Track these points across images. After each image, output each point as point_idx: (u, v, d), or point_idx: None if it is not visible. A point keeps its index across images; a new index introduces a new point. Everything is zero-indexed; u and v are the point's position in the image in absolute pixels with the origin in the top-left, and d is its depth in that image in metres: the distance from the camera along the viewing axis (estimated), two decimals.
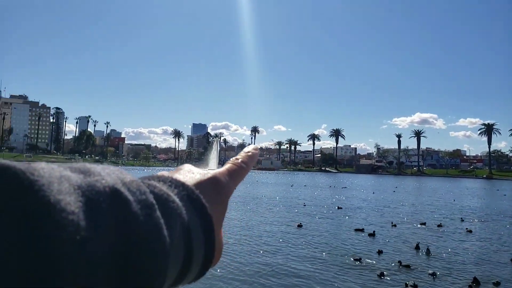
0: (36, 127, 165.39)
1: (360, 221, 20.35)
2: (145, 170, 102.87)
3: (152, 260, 0.25)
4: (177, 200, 0.31)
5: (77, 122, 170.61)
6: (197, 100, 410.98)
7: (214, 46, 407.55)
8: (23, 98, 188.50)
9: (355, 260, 12.09)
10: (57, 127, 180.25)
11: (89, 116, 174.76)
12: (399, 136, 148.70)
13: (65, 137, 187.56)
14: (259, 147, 0.46)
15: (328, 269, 11.15)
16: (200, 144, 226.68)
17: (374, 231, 16.77)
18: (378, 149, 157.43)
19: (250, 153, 0.45)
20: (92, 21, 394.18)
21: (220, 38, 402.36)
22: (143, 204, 0.26)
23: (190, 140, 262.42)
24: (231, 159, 0.43)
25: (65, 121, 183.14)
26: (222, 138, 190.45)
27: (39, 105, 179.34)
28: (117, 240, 0.24)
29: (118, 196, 0.25)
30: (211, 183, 0.36)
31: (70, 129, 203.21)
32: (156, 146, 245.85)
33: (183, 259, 0.30)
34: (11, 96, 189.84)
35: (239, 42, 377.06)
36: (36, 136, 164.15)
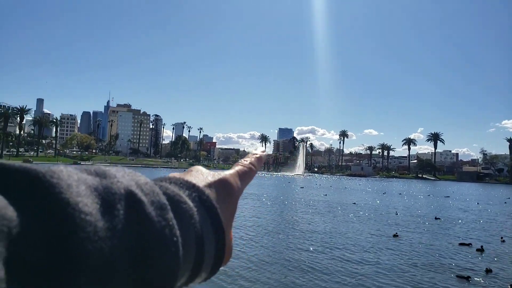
0: (138, 133, 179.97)
1: (461, 234, 17.35)
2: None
3: (165, 259, 0.26)
4: (188, 201, 0.31)
5: (173, 128, 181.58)
6: (284, 104, 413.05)
7: (296, 49, 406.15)
8: (127, 106, 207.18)
9: (461, 278, 9.97)
10: (156, 132, 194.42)
11: (184, 123, 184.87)
12: (510, 140, 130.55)
13: (162, 142, 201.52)
14: (265, 151, 0.47)
15: (431, 287, 9.32)
16: (286, 149, 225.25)
17: (482, 246, 13.83)
18: (485, 155, 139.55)
19: (258, 155, 0.46)
20: (189, 41, 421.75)
21: (300, 41, 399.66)
22: (157, 205, 0.27)
23: (276, 145, 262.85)
24: (240, 160, 0.43)
25: (163, 127, 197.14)
26: (308, 142, 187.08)
27: (141, 112, 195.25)
28: (132, 240, 0.25)
29: (132, 198, 0.26)
30: (221, 184, 0.37)
31: (167, 134, 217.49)
32: (244, 150, 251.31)
33: (195, 259, 0.31)
34: (118, 105, 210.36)
35: (318, 43, 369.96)
36: (138, 141, 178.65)
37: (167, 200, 0.29)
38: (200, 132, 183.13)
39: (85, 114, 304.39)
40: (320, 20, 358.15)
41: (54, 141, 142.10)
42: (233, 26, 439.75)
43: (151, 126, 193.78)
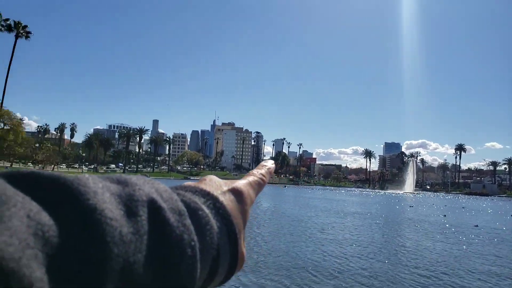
0: (241, 149, 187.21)
1: None
2: (336, 191, 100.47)
3: (184, 263, 0.28)
4: (204, 207, 0.33)
5: (273, 144, 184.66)
6: (390, 117, 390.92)
7: (398, 58, 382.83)
8: (231, 125, 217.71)
9: None
10: (257, 149, 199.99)
11: (284, 139, 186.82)
12: None
13: (263, 158, 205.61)
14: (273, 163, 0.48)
15: None
16: (393, 165, 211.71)
17: None
18: None
19: (269, 167, 0.47)
20: (287, 58, 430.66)
21: (401, 48, 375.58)
22: (175, 211, 0.29)
23: (382, 160, 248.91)
24: (252, 171, 0.45)
25: (264, 144, 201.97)
26: (418, 158, 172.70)
27: (243, 130, 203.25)
28: (154, 244, 0.26)
29: (153, 204, 0.28)
30: (234, 193, 0.38)
31: (268, 150, 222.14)
32: (346, 166, 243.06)
33: (211, 264, 0.32)
34: (223, 124, 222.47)
35: (421, 49, 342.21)
36: (241, 157, 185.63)
37: (185, 207, 0.31)
38: (299, 147, 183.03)
39: (194, 133, 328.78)
40: (415, 24, 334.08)
41: (167, 158, 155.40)
42: (330, 37, 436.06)
43: (252, 143, 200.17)
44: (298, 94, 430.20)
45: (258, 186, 0.43)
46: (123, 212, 0.26)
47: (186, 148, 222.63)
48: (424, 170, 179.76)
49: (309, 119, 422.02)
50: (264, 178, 0.44)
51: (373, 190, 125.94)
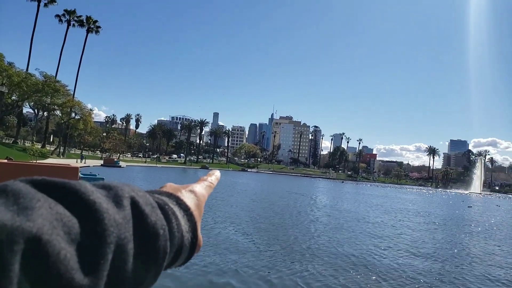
0: (298, 143, 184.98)
1: None
2: (396, 188, 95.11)
3: (158, 241, 0.38)
4: (169, 203, 0.43)
5: (332, 139, 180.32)
6: (456, 113, 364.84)
7: (463, 50, 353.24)
8: (289, 118, 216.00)
9: None
10: (315, 143, 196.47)
11: (343, 133, 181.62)
12: None
13: (321, 153, 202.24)
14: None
15: None
16: (459, 163, 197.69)
17: None
18: None
19: (216, 175, 0.60)
20: (346, 52, 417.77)
21: (464, 40, 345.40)
22: (149, 205, 0.39)
23: (447, 158, 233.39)
24: (202, 177, 0.57)
25: (322, 138, 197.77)
26: (487, 156, 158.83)
27: (301, 124, 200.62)
28: (136, 227, 0.36)
29: (132, 199, 0.38)
30: (191, 193, 0.49)
31: (326, 145, 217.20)
32: (408, 163, 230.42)
33: (176, 247, 0.41)
34: (280, 117, 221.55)
35: (484, 40, 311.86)
36: (298, 151, 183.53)
37: (155, 202, 0.41)
38: (359, 143, 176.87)
39: (252, 126, 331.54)
40: (484, 13, 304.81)
41: (226, 150, 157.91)
42: (392, 29, 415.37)
43: (310, 137, 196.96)
44: (359, 88, 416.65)
45: (209, 188, 0.55)
46: (113, 205, 0.35)
47: (244, 140, 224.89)
48: (493, 170, 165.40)
49: (370, 114, 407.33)
50: (212, 182, 0.57)
51: (436, 189, 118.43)
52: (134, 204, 0.37)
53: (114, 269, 0.32)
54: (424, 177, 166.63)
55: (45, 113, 61.61)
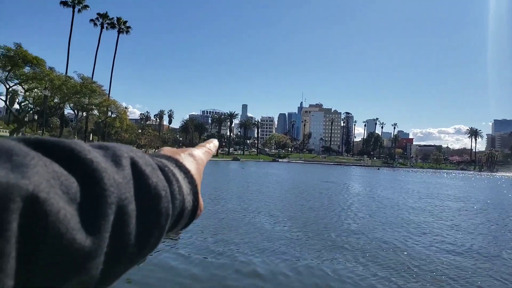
0: (329, 131, 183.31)
1: None
2: (436, 173, 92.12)
3: (161, 203, 0.36)
4: (169, 165, 0.42)
5: (365, 125, 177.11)
6: (501, 91, 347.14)
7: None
8: (319, 106, 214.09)
9: None
10: (347, 130, 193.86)
11: (377, 119, 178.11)
12: None
13: (354, 140, 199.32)
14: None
15: None
16: (505, 145, 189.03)
17: None
18: None
19: (214, 143, 0.59)
20: (375, 36, 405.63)
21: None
22: (148, 165, 0.37)
23: (491, 140, 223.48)
24: (201, 143, 0.57)
25: (354, 125, 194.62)
26: None
27: (332, 111, 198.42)
28: (137, 188, 0.34)
29: (132, 159, 0.36)
30: (190, 156, 0.48)
31: (359, 131, 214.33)
32: (448, 147, 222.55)
33: (178, 210, 0.40)
34: (310, 106, 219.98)
35: None
36: (329, 139, 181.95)
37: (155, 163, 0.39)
38: (394, 128, 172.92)
39: (281, 116, 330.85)
40: None
41: (256, 141, 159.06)
42: (425, 7, 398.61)
43: (342, 124, 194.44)
44: (391, 70, 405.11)
45: (208, 154, 0.54)
46: (111, 164, 0.33)
47: (274, 131, 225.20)
48: None
49: (404, 97, 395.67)
50: (211, 149, 0.56)
51: (479, 173, 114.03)
52: (134, 164, 0.36)
53: (116, 231, 0.31)
54: (466, 160, 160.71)
55: (84, 113, 64.67)
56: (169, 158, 0.44)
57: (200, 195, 0.44)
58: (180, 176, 0.42)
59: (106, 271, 0.30)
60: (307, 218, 13.55)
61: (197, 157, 0.49)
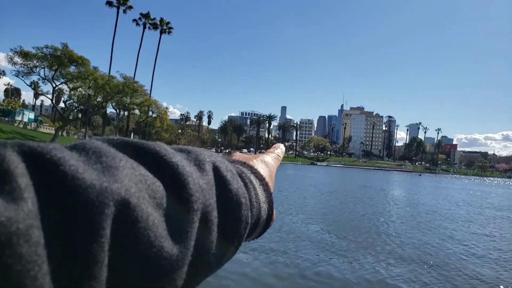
0: (371, 135, 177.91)
1: None
2: (481, 181, 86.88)
3: (241, 210, 0.35)
4: (246, 171, 0.41)
5: (407, 129, 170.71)
6: None
7: None
8: (360, 109, 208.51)
9: None
10: (389, 134, 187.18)
11: (420, 123, 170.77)
12: None
13: (396, 144, 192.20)
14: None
15: None
16: None
17: None
18: None
19: (282, 149, 0.58)
20: (418, 36, 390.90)
21: None
22: (229, 171, 0.36)
23: None
24: (268, 150, 0.56)
25: (396, 129, 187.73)
26: None
27: (373, 114, 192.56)
28: (220, 194, 0.33)
29: (214, 164, 0.35)
30: (263, 163, 0.47)
31: (401, 136, 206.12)
32: (494, 154, 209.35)
33: (255, 218, 0.39)
34: (351, 108, 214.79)
35: None
36: (370, 143, 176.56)
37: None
38: (438, 133, 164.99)
39: (321, 118, 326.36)
40: None
41: (294, 144, 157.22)
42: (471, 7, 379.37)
43: (383, 128, 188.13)
44: (435, 73, 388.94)
45: (277, 160, 0.53)
46: (195, 168, 0.32)
47: (313, 134, 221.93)
48: None
49: (449, 101, 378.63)
50: (279, 155, 0.55)
51: None
52: (216, 169, 0.35)
53: (200, 239, 0.30)
54: None
55: (125, 112, 66.12)
56: (244, 164, 0.44)
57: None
58: (256, 183, 0.41)
59: (187, 280, 0.29)
60: (343, 223, 13.19)
61: (269, 164, 0.48)
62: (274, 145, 0.58)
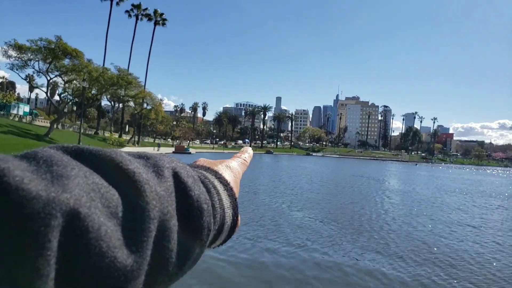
0: (366, 125, 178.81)
1: None
2: (476, 170, 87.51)
3: (203, 216, 0.34)
4: (209, 177, 0.40)
5: (403, 119, 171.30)
6: None
7: None
8: (356, 99, 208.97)
9: None
10: (385, 124, 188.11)
11: (416, 113, 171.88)
12: None
13: (392, 134, 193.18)
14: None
15: None
16: None
17: None
18: None
19: (249, 153, 0.57)
20: (413, 26, 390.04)
21: None
22: (190, 177, 0.35)
23: None
24: (235, 155, 0.54)
25: (392, 119, 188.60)
26: None
27: (369, 104, 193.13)
28: (179, 201, 0.32)
29: (173, 170, 0.34)
30: (228, 168, 0.46)
31: (397, 126, 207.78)
32: (491, 142, 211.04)
33: (219, 224, 0.38)
34: (346, 98, 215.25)
35: None
36: (366, 133, 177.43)
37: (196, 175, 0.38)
38: (434, 122, 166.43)
39: (316, 109, 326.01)
40: None
41: (290, 134, 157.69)
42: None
43: (379, 118, 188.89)
44: (431, 62, 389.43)
45: (243, 166, 0.52)
46: (153, 175, 0.31)
47: (308, 124, 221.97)
48: None
49: (445, 90, 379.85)
50: (246, 160, 0.54)
51: None
52: (176, 175, 0.34)
53: (157, 248, 0.29)
54: (510, 157, 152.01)
55: (120, 104, 66.07)
56: (207, 169, 0.43)
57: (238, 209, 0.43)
58: (220, 188, 0.40)
59: None
60: (337, 212, 13.29)
61: (234, 169, 0.48)
62: (241, 149, 0.58)
